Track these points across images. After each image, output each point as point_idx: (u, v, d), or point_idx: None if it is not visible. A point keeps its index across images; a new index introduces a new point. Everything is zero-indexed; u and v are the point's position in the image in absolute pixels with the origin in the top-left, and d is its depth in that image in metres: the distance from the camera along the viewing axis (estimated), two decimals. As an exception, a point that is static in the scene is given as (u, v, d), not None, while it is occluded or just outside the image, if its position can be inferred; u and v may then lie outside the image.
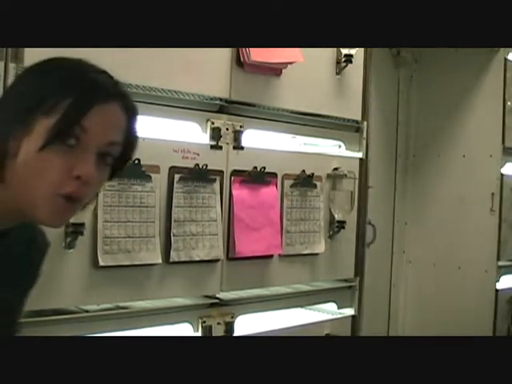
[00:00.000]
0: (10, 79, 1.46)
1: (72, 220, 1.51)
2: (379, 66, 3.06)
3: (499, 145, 3.08)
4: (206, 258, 1.83)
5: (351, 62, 2.19)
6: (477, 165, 3.13)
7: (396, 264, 3.39)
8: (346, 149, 2.33)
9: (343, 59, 2.19)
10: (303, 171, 2.12)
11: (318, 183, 2.18)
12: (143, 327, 1.70)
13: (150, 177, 1.70)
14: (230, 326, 1.86)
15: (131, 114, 0.98)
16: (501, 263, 3.09)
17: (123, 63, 1.59)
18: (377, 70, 2.76)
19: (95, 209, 1.58)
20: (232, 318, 1.88)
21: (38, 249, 1.13)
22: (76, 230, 1.52)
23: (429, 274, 3.28)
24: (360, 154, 2.37)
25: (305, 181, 2.12)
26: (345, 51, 2.18)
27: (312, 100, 2.16)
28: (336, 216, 2.23)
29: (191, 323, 1.78)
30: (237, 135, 1.92)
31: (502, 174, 3.08)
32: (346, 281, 2.36)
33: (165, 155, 1.75)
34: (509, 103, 3.09)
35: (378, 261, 3.22)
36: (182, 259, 1.77)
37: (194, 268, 1.81)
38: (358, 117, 2.35)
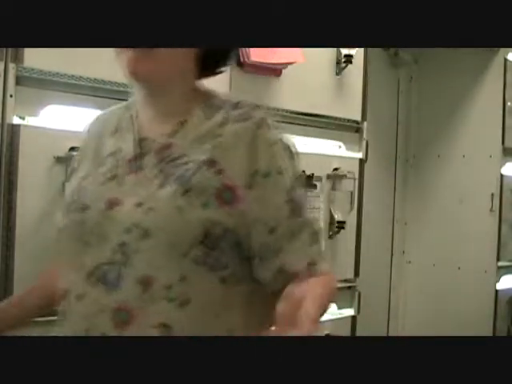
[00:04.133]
0: (10, 79, 1.46)
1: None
2: (378, 67, 3.07)
3: (499, 145, 3.08)
4: (206, 258, 1.82)
5: (351, 62, 2.19)
6: (477, 165, 3.13)
7: (396, 264, 3.39)
8: (346, 149, 2.33)
9: (343, 59, 2.19)
10: (303, 171, 2.12)
11: (318, 183, 2.18)
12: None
13: (151, 177, 1.69)
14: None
15: None
16: (500, 264, 3.09)
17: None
18: (376, 70, 2.77)
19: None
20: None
21: None
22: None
23: (428, 275, 3.28)
24: (360, 155, 2.37)
25: (305, 181, 2.12)
26: (345, 51, 2.18)
27: (312, 100, 2.16)
28: (336, 216, 2.23)
29: (191, 323, 1.78)
30: (237, 135, 1.91)
31: (501, 175, 3.09)
32: (345, 281, 2.36)
33: (165, 155, 1.74)
34: (509, 103, 3.10)
35: (377, 261, 3.22)
36: (183, 259, 1.76)
37: (193, 268, 1.81)
38: (358, 117, 2.35)
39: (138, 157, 1.05)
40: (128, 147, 1.06)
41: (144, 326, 0.97)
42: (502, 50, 3.07)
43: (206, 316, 1.01)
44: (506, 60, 3.09)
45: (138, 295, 0.97)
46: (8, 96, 1.46)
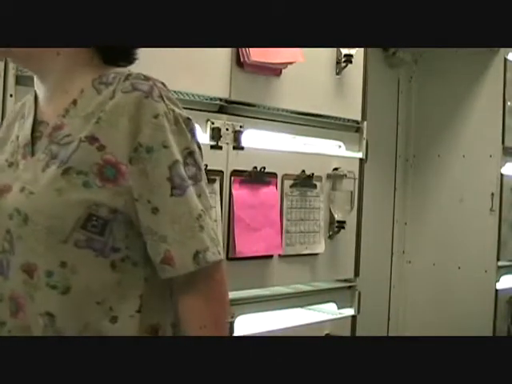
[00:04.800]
0: (10, 79, 1.46)
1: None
2: (378, 67, 3.07)
3: (499, 145, 3.08)
4: (206, 258, 1.82)
5: (351, 62, 2.19)
6: (477, 165, 3.13)
7: (396, 264, 3.39)
8: (346, 149, 2.33)
9: (343, 59, 2.19)
10: (303, 171, 2.12)
11: (318, 183, 2.18)
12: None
13: (150, 177, 1.69)
14: (230, 326, 1.86)
15: None
16: (501, 263, 3.09)
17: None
18: (376, 70, 2.77)
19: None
20: (232, 318, 1.88)
21: None
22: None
23: (429, 274, 3.28)
24: (360, 154, 2.37)
25: (305, 181, 2.12)
26: (345, 51, 2.18)
27: (312, 100, 2.16)
28: (336, 216, 2.23)
29: (191, 323, 1.78)
30: (237, 135, 1.92)
31: (501, 174, 3.08)
32: (345, 281, 2.36)
33: (165, 155, 1.74)
34: (509, 103, 3.09)
35: (377, 261, 3.22)
36: (182, 259, 1.76)
37: (193, 268, 1.80)
38: (358, 117, 2.35)
39: (33, 141, 1.02)
40: (25, 132, 1.04)
41: (31, 315, 0.97)
42: (502, 50, 3.07)
43: (92, 305, 0.97)
44: (506, 60, 3.08)
45: (23, 283, 0.96)
46: (8, 96, 1.46)
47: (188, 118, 1.04)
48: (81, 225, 0.95)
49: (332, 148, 2.32)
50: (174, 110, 1.01)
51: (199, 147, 1.05)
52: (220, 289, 1.02)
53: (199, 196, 1.00)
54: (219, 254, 1.01)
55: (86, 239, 0.95)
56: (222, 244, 1.04)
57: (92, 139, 0.97)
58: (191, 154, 1.01)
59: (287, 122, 2.11)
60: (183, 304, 1.00)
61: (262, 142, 2.06)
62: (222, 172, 1.87)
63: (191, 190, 0.99)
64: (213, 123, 1.86)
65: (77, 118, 1.00)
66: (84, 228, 0.95)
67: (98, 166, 0.95)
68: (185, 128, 1.02)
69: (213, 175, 1.84)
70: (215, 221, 1.85)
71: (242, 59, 1.88)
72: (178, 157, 0.99)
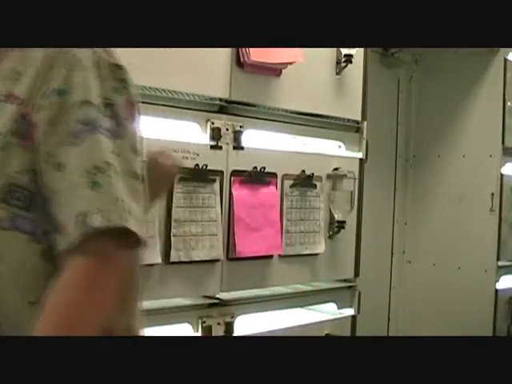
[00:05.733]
0: (10, 79, 1.46)
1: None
2: (378, 67, 3.07)
3: (499, 145, 3.08)
4: (206, 258, 1.83)
5: (351, 62, 2.19)
6: (477, 165, 3.13)
7: (396, 264, 3.39)
8: (346, 149, 2.33)
9: (343, 59, 2.19)
10: (303, 171, 2.12)
11: (318, 183, 2.18)
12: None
13: (150, 177, 1.69)
14: (229, 326, 1.86)
15: None
16: (500, 263, 3.09)
17: (122, 63, 1.59)
18: (376, 70, 2.77)
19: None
20: (232, 317, 1.88)
21: None
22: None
23: (428, 274, 3.28)
24: (360, 154, 2.37)
25: (305, 181, 2.12)
26: (345, 51, 2.18)
27: (312, 100, 2.16)
28: (336, 216, 2.23)
29: (191, 323, 1.78)
30: (237, 135, 1.92)
31: (501, 174, 3.08)
32: (345, 281, 2.36)
33: (165, 155, 1.74)
34: (509, 103, 3.09)
35: (377, 261, 3.22)
36: (182, 259, 1.77)
37: (193, 268, 1.81)
38: (358, 117, 2.35)
39: None
40: None
41: None
42: (502, 49, 3.07)
43: (24, 305, 0.82)
44: (506, 60, 3.09)
45: None
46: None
47: (116, 65, 0.89)
48: (1, 198, 0.80)
49: (332, 148, 2.32)
50: (96, 53, 0.87)
51: (131, 103, 0.88)
52: (98, 278, 0.79)
53: (117, 154, 0.81)
54: (119, 219, 0.77)
55: (10, 216, 0.80)
56: (141, 222, 0.82)
57: (9, 96, 0.84)
58: (110, 105, 0.84)
59: (287, 122, 2.11)
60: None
61: (262, 141, 2.06)
62: (221, 172, 1.87)
63: (95, 139, 0.80)
64: (213, 123, 1.86)
65: (1, 76, 0.87)
66: (5, 201, 0.80)
67: (15, 122, 0.82)
68: (109, 74, 0.87)
69: (213, 175, 1.84)
70: (215, 221, 1.85)
71: (242, 59, 1.88)
72: (91, 99, 0.82)
